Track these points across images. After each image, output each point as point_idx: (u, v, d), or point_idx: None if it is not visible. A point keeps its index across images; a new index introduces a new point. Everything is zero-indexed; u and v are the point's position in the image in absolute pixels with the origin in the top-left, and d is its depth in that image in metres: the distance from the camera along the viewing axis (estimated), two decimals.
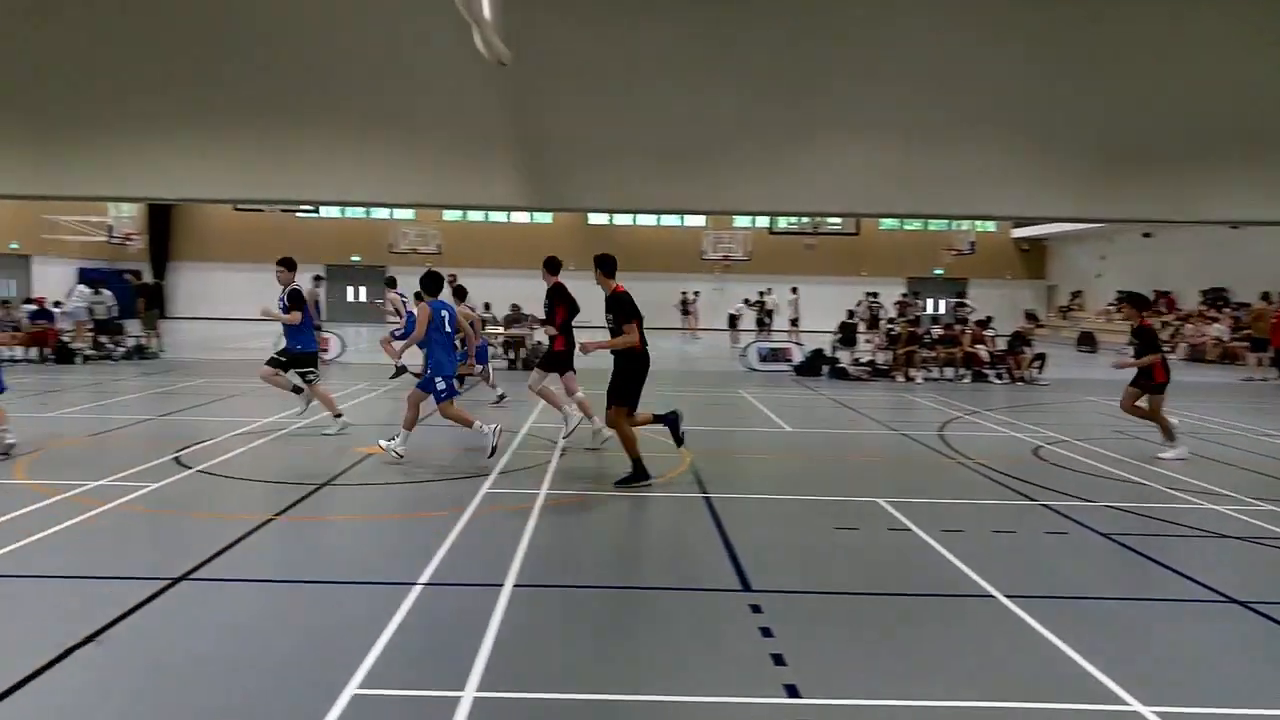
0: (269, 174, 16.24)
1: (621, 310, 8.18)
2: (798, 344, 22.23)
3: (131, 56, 15.16)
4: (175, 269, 43.86)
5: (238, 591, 5.27)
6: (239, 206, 38.30)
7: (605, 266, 8.46)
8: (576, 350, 9.38)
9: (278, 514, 6.90)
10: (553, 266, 10.33)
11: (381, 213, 40.79)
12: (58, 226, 35.21)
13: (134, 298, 22.56)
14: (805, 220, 35.21)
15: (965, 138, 10.90)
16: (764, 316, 31.09)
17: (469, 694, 3.96)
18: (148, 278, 37.87)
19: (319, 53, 14.98)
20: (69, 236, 35.80)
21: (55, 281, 33.97)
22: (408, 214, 41.18)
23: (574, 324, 10.12)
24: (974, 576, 5.74)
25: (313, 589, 5.32)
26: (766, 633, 4.77)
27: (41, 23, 14.04)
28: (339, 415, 10.58)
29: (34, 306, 20.57)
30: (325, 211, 42.23)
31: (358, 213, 42.25)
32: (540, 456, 9.43)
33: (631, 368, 8.19)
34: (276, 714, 3.81)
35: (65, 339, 19.43)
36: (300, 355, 10.58)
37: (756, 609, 5.11)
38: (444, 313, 9.19)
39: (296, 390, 10.63)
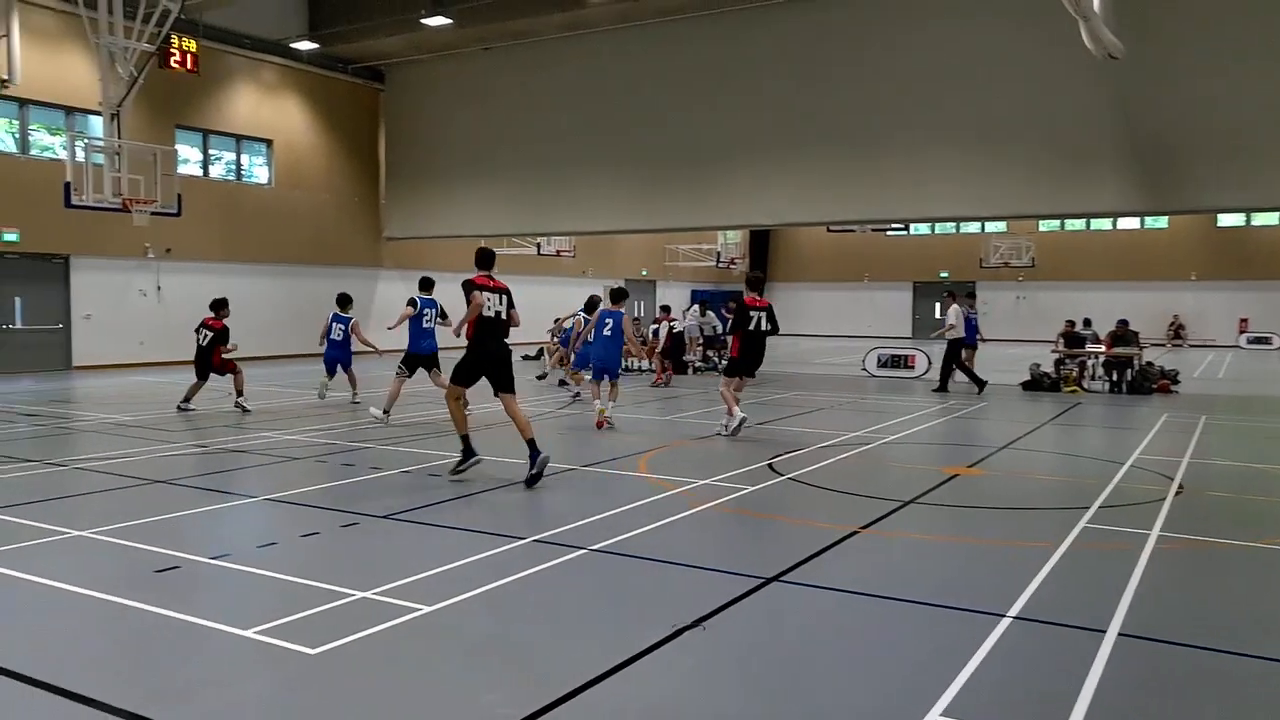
0: (860, 195, 16.87)
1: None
2: None
3: (728, 104, 16.84)
4: (772, 289, 47.71)
5: (822, 598, 5.39)
6: (832, 228, 40.40)
7: (480, 263, 8.62)
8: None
9: (864, 526, 6.99)
10: (754, 285, 11.73)
11: (971, 227, 39.96)
12: (676, 254, 40.49)
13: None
14: None
15: None
16: None
17: None
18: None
19: (907, 75, 15.15)
20: (684, 263, 40.98)
21: (673, 302, 39.10)
22: (999, 226, 39.77)
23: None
24: None
25: (895, 606, 5.24)
26: None
27: (674, 105, 16.11)
28: (386, 412, 11.89)
29: (656, 325, 23.80)
30: (914, 229, 42.64)
31: (947, 228, 41.95)
32: (1151, 492, 8.33)
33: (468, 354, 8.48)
34: None
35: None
36: (410, 356, 12.31)
37: None
38: (609, 320, 12.07)
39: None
